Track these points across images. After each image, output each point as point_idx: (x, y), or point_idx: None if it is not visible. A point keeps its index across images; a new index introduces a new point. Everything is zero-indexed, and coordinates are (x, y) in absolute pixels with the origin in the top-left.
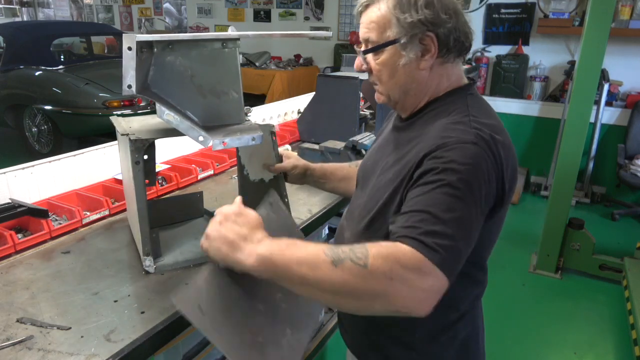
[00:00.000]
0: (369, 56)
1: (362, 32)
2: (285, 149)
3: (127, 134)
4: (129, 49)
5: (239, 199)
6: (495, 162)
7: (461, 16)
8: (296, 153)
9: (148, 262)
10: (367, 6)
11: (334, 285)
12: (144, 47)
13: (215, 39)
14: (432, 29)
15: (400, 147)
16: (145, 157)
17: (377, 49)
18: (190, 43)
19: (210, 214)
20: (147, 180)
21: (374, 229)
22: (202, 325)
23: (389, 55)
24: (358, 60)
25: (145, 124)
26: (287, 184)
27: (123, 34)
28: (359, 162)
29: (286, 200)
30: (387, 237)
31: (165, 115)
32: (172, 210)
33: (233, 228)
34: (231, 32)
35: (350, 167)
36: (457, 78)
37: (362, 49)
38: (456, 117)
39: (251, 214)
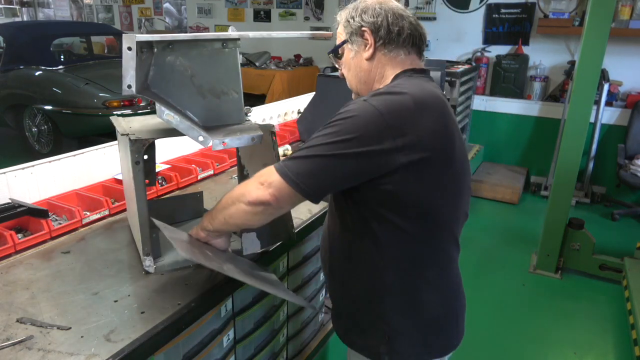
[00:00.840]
0: (337, 58)
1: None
2: (285, 149)
3: (127, 134)
4: (129, 49)
5: None
6: (382, 116)
7: (391, 15)
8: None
9: (148, 262)
10: (339, 21)
11: (232, 211)
12: (144, 47)
13: (215, 39)
14: (367, 25)
15: None
16: (145, 157)
17: (336, 49)
18: (190, 43)
19: None
20: (147, 180)
21: (336, 204)
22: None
23: (345, 54)
24: (337, 66)
25: (145, 124)
26: None
27: (123, 34)
28: None
29: None
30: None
31: (165, 115)
32: (172, 210)
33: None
34: (231, 33)
35: None
36: (405, 64)
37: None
38: (381, 91)
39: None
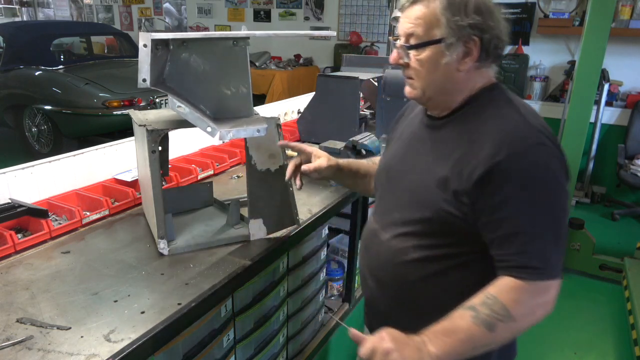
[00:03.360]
0: (411, 51)
1: (406, 27)
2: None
3: (145, 125)
4: (145, 46)
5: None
6: (560, 154)
7: (503, 25)
8: (321, 151)
9: (162, 245)
10: (413, 3)
11: (500, 341)
12: (159, 45)
13: (226, 38)
14: (479, 34)
15: (443, 145)
16: (160, 148)
17: (422, 45)
18: (203, 41)
19: (221, 204)
20: (161, 171)
21: (425, 228)
22: None
23: (432, 52)
24: (395, 54)
25: (160, 116)
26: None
27: (139, 33)
28: (375, 158)
29: (291, 189)
30: (443, 234)
31: (177, 107)
32: (184, 199)
33: (408, 351)
34: (241, 32)
35: (369, 164)
36: (489, 77)
37: (402, 42)
38: (506, 111)
39: (393, 335)
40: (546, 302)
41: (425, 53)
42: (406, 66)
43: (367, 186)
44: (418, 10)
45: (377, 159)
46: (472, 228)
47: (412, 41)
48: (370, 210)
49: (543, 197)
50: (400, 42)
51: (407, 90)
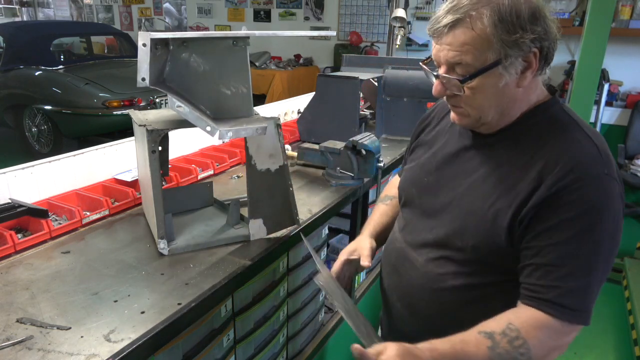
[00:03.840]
0: (460, 85)
1: (449, 56)
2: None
3: (145, 125)
4: (144, 45)
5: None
6: (623, 191)
7: (554, 25)
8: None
9: (162, 245)
10: (453, 27)
11: None
12: (158, 44)
13: (226, 38)
14: (538, 45)
15: (497, 168)
16: (160, 148)
17: (477, 75)
18: (203, 41)
19: (221, 204)
20: (161, 171)
21: (469, 255)
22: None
23: (488, 78)
24: (440, 86)
25: (160, 116)
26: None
27: (139, 32)
28: (389, 192)
29: (291, 189)
30: (491, 262)
31: (176, 106)
32: (184, 199)
33: None
34: (241, 32)
35: (391, 204)
36: (541, 88)
37: (445, 71)
38: (572, 134)
39: (398, 351)
40: (564, 344)
41: (480, 80)
42: (451, 95)
43: None
44: (462, 34)
45: (391, 192)
46: (518, 258)
47: (460, 70)
48: (369, 210)
49: (597, 233)
50: (442, 70)
51: (455, 117)
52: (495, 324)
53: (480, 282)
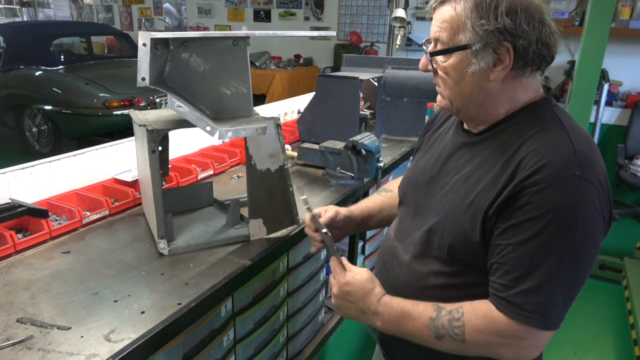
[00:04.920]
0: (437, 57)
1: (433, 31)
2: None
3: (145, 125)
4: (144, 45)
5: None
6: (605, 195)
7: (546, 27)
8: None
9: (162, 245)
10: (441, 3)
11: (445, 349)
12: (158, 44)
13: (226, 38)
14: (510, 40)
15: (477, 166)
16: (160, 148)
17: (445, 52)
18: (203, 41)
19: (221, 204)
20: (161, 171)
21: (448, 254)
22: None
23: (457, 60)
24: (424, 59)
25: (160, 116)
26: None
27: (139, 32)
28: (389, 185)
29: (291, 189)
30: (467, 256)
31: (176, 106)
32: (184, 199)
33: (349, 307)
34: (241, 32)
35: (385, 195)
36: (536, 90)
37: (430, 48)
38: (552, 133)
39: (357, 284)
40: (519, 345)
41: (451, 60)
42: (435, 73)
43: (391, 217)
44: (445, 12)
45: (391, 186)
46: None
47: (438, 47)
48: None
49: (559, 236)
50: (429, 47)
51: (438, 98)
52: (451, 304)
53: (461, 282)
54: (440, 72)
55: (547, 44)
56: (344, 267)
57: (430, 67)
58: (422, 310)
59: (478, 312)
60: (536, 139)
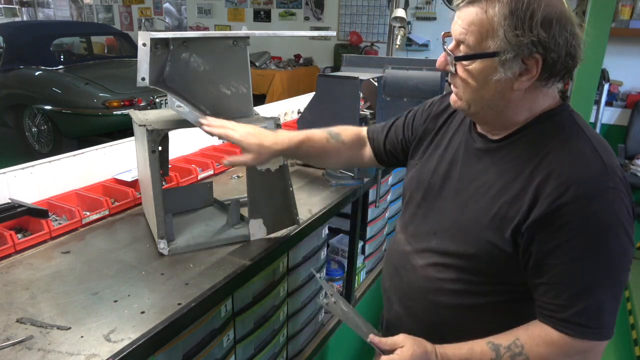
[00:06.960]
0: (457, 64)
1: (458, 32)
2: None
3: (145, 125)
4: (144, 45)
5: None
6: (631, 200)
7: (576, 38)
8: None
9: (162, 245)
10: (470, 3)
11: None
12: (158, 44)
13: (226, 37)
14: (542, 53)
15: (499, 175)
16: (160, 148)
17: (471, 57)
18: (203, 41)
19: (221, 204)
20: (161, 171)
21: (469, 263)
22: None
23: (482, 66)
24: (442, 58)
25: (160, 116)
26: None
27: (139, 32)
28: (338, 132)
29: (291, 189)
30: (486, 262)
31: (177, 107)
32: (184, 199)
33: None
34: (241, 32)
35: (328, 142)
36: (554, 97)
37: (451, 47)
38: (577, 144)
39: (418, 357)
40: (584, 359)
41: (475, 65)
42: (452, 74)
43: (327, 163)
44: (473, 13)
45: (339, 130)
46: (519, 270)
47: (463, 49)
48: (369, 210)
49: (606, 249)
50: (450, 46)
51: (452, 98)
52: (505, 337)
53: (480, 290)
54: (460, 75)
55: (574, 56)
56: (388, 348)
57: (450, 68)
58: (480, 355)
59: (537, 339)
60: (563, 150)
